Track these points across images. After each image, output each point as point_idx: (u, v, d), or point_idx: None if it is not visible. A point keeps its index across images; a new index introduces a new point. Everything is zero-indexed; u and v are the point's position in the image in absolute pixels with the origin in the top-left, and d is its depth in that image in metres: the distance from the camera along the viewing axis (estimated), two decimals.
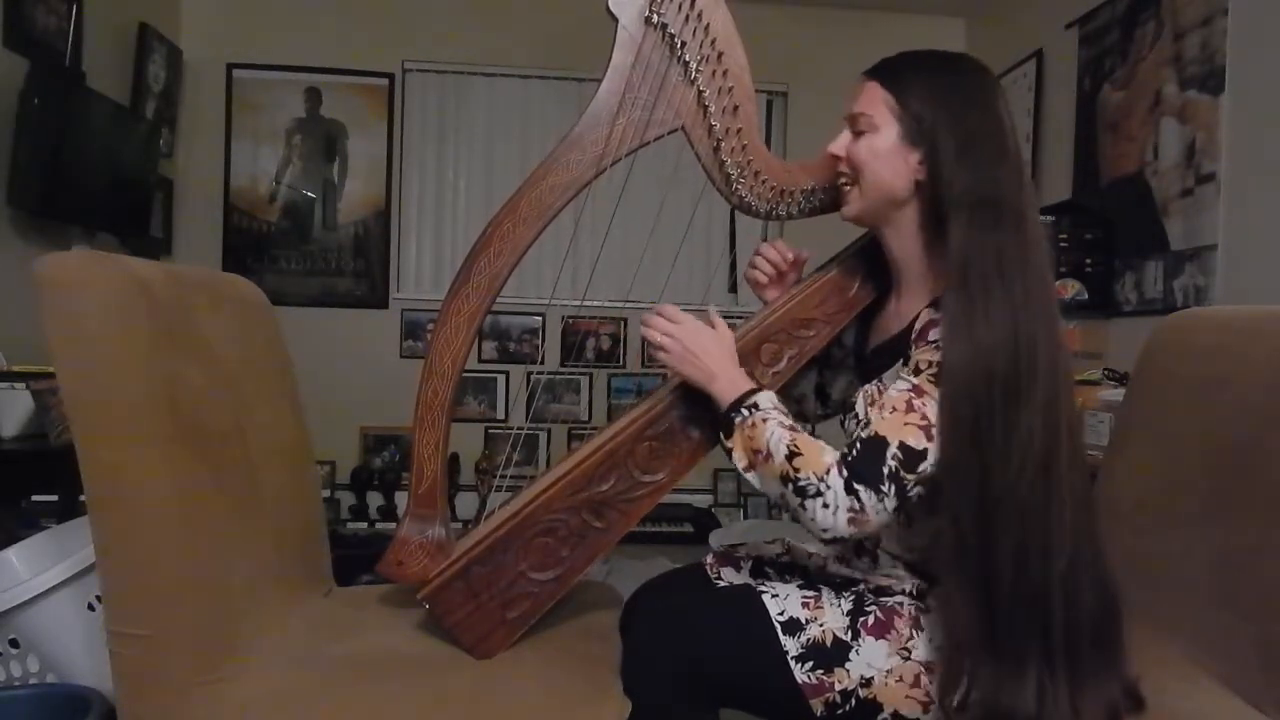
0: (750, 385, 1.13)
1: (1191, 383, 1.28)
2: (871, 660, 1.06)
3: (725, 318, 1.21)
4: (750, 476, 1.11)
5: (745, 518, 4.18)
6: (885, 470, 1.00)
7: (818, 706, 1.06)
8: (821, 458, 1.04)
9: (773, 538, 1.42)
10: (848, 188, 1.17)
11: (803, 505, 1.03)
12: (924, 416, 1.01)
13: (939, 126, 1.07)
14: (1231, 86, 2.54)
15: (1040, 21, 3.60)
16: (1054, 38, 3.48)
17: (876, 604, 1.10)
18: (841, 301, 1.25)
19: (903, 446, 1.01)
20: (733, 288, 4.21)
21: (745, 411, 1.10)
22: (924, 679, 1.05)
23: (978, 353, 0.99)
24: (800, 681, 1.05)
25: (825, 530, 1.03)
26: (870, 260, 1.24)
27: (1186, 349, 1.33)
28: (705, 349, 1.14)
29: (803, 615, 1.09)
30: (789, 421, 1.10)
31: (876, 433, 1.02)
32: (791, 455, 1.04)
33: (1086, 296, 2.98)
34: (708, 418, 1.17)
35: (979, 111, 1.07)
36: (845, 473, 1.01)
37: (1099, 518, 1.08)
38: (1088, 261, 3.00)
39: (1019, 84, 3.75)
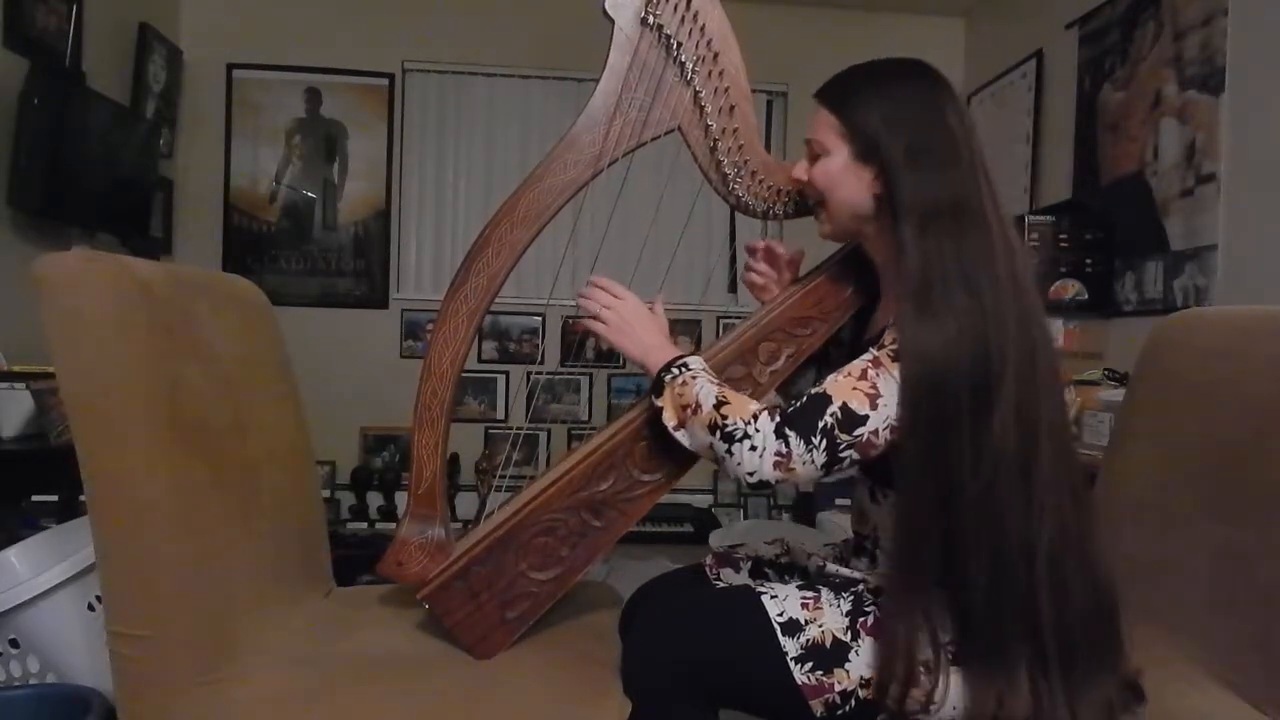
0: (683, 352, 1.16)
1: (1192, 383, 1.28)
2: (871, 661, 1.06)
3: (725, 318, 1.22)
4: (680, 435, 1.12)
5: (745, 518, 4.18)
6: (820, 424, 1.02)
7: (817, 707, 1.06)
8: (748, 405, 1.06)
9: (772, 538, 1.42)
10: (818, 209, 1.20)
11: (729, 451, 1.05)
12: (874, 386, 1.03)
13: (884, 140, 1.08)
14: (1231, 86, 2.54)
15: (1040, 21, 3.60)
16: (1054, 38, 3.48)
17: (876, 604, 1.10)
18: (837, 300, 1.26)
19: (844, 407, 1.02)
20: (732, 286, 4.21)
21: (675, 370, 1.13)
22: (924, 679, 1.05)
23: (941, 361, 0.99)
24: (800, 682, 1.05)
25: (751, 473, 1.04)
26: (865, 259, 1.25)
27: (1186, 349, 1.33)
28: (642, 323, 1.19)
29: (802, 616, 1.09)
30: (717, 380, 1.12)
31: (824, 390, 1.04)
32: (720, 404, 1.07)
33: (1086, 296, 2.98)
34: None
35: (924, 118, 1.08)
36: (779, 418, 1.04)
37: (1096, 517, 1.07)
38: (1088, 261, 3.00)
39: (1019, 84, 3.75)
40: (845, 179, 1.13)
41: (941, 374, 0.99)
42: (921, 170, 1.06)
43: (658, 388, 1.14)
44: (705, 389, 1.09)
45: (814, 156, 1.16)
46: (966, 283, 1.01)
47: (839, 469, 1.05)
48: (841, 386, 1.04)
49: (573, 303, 1.16)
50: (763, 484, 1.05)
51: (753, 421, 1.04)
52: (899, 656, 1.01)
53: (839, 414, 1.02)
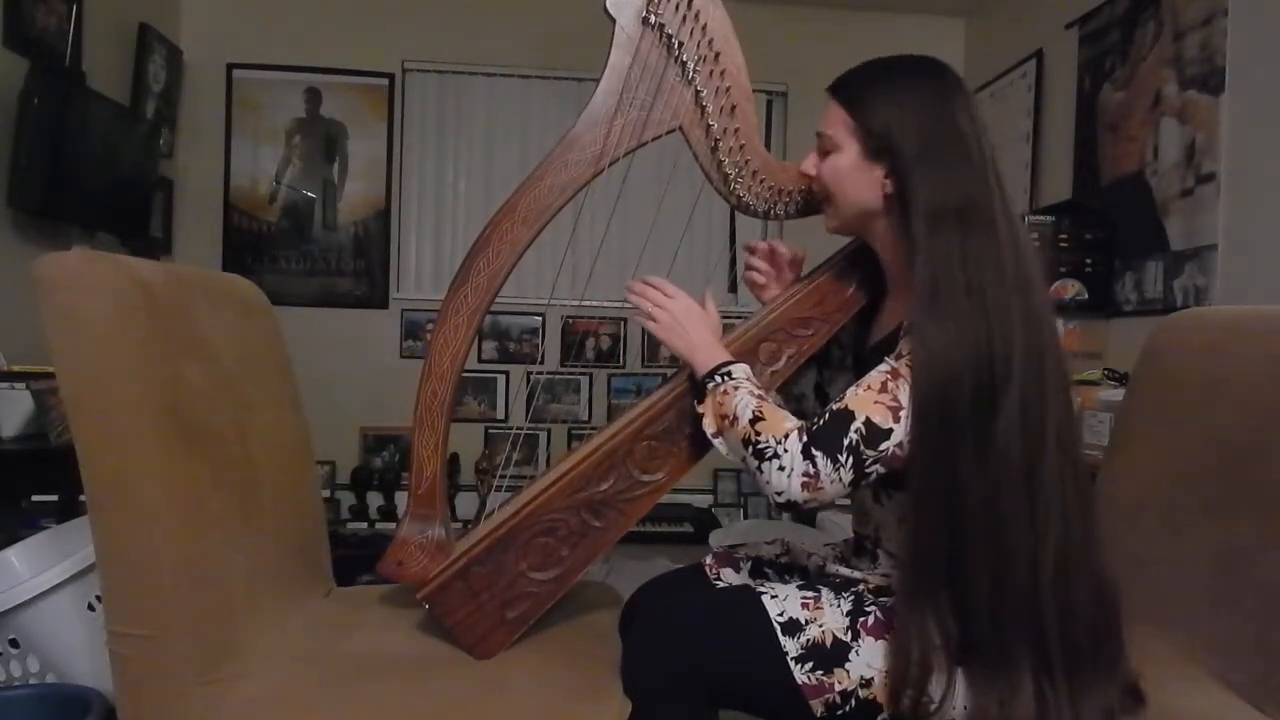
0: (730, 358, 1.16)
1: (1191, 383, 1.28)
2: (871, 661, 1.06)
3: (725, 318, 1.24)
4: (718, 443, 1.13)
5: (745, 518, 4.18)
6: (846, 442, 1.02)
7: (817, 707, 1.06)
8: (783, 423, 1.06)
9: (772, 538, 1.42)
10: (825, 204, 1.20)
11: (760, 468, 1.05)
12: (895, 398, 1.02)
13: (895, 138, 1.07)
14: (1231, 86, 2.53)
15: (1040, 21, 3.59)
16: (1054, 38, 3.48)
17: (876, 604, 1.10)
18: (839, 301, 1.25)
19: (867, 422, 1.02)
20: (732, 287, 4.21)
21: (719, 378, 1.13)
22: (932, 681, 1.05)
23: (944, 364, 0.99)
24: (800, 682, 1.05)
25: (779, 493, 1.04)
26: (867, 260, 1.24)
27: (1186, 349, 1.33)
28: (693, 323, 1.19)
29: (802, 616, 1.08)
30: (759, 391, 1.12)
31: (846, 406, 1.04)
32: (755, 420, 1.07)
33: (1086, 296, 2.97)
34: None
35: (936, 118, 1.07)
36: (805, 438, 1.03)
37: (1099, 522, 1.07)
38: (1088, 261, 3.00)
39: (1019, 84, 3.75)
40: (854, 176, 1.13)
41: (945, 378, 0.99)
42: (931, 170, 1.05)
43: (700, 392, 1.14)
44: (745, 401, 1.09)
45: (824, 151, 1.16)
46: (970, 285, 1.01)
47: (865, 484, 1.05)
48: (863, 400, 1.03)
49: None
50: (791, 504, 1.05)
51: (784, 441, 1.04)
52: (913, 666, 1.00)
53: (863, 430, 1.02)
